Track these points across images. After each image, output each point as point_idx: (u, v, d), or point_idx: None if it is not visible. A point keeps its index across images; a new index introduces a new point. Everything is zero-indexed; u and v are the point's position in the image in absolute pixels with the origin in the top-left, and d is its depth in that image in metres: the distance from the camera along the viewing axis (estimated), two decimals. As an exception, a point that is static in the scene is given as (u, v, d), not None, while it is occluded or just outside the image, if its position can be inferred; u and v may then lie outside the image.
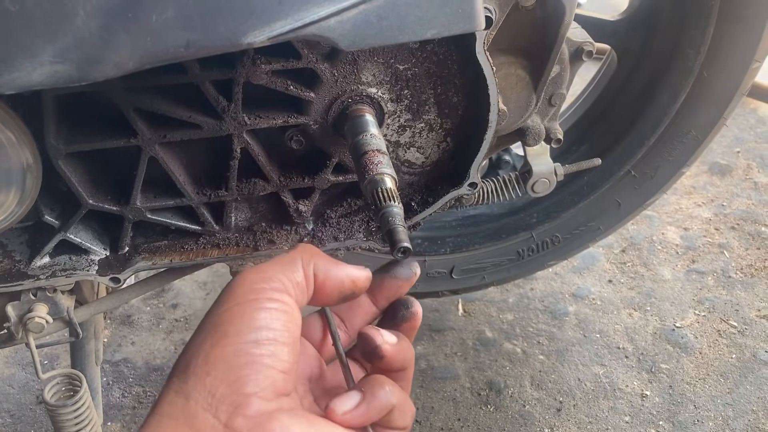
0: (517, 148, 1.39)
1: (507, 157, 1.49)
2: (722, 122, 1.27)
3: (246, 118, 0.92)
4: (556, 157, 1.43)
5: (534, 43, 1.02)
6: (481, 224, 1.48)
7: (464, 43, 0.91)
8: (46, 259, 1.01)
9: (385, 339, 0.64)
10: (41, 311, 1.02)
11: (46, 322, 1.02)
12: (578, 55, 1.08)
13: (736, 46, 1.19)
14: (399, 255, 0.81)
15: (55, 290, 1.03)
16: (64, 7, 0.54)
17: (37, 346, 1.06)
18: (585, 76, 1.47)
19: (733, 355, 1.56)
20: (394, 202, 0.84)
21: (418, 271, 0.77)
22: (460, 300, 1.73)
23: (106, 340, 1.72)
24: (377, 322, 0.74)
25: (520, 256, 1.47)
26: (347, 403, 0.59)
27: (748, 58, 1.19)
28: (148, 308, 1.80)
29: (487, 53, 0.91)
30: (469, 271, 1.47)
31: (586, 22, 1.26)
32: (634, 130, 1.36)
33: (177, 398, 0.54)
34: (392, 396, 0.61)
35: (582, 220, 1.43)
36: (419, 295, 1.51)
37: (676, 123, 1.30)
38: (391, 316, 0.72)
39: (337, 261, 0.66)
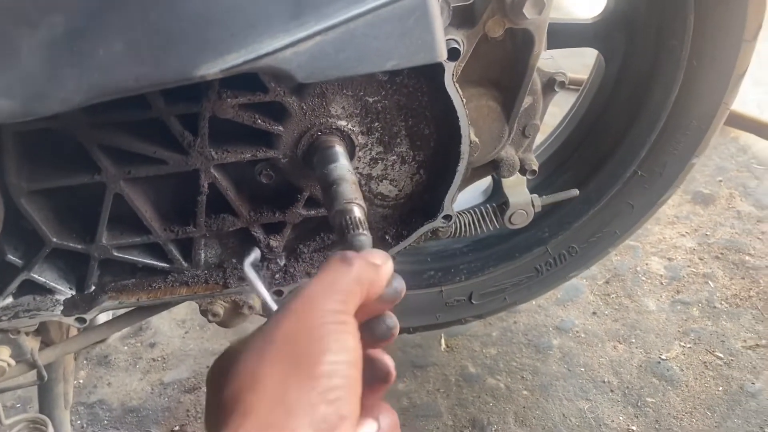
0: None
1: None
2: (724, 108, 1.23)
3: (213, 153, 0.91)
4: (561, 162, 1.41)
5: (505, 74, 1.02)
6: (493, 246, 1.46)
7: (433, 75, 0.91)
8: (9, 300, 0.98)
9: (392, 363, 0.64)
10: (3, 354, 0.99)
11: (8, 365, 0.99)
12: (551, 85, 1.07)
13: (722, 29, 1.15)
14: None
15: (18, 332, 1.00)
16: (7, 43, 0.52)
17: (0, 391, 1.03)
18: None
19: (720, 388, 1.54)
20: (362, 230, 0.82)
21: (404, 290, 0.75)
22: (442, 335, 1.70)
23: (81, 381, 1.67)
24: None
25: (538, 272, 1.45)
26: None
27: (738, 38, 1.15)
28: (126, 347, 1.76)
29: (457, 85, 0.90)
30: (488, 294, 1.45)
31: (566, 29, 1.24)
32: (633, 129, 1.32)
33: (277, 408, 0.52)
34: (398, 425, 0.63)
35: (596, 228, 1.40)
36: (442, 325, 1.48)
37: (675, 116, 1.26)
38: (369, 332, 0.70)
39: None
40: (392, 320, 0.70)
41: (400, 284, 0.69)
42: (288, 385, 0.53)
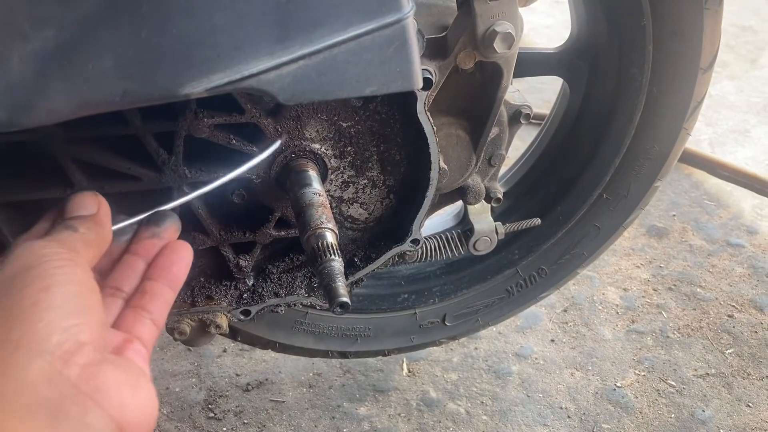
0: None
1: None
2: (684, 133, 1.27)
3: (187, 171, 0.92)
4: (530, 186, 1.45)
5: (474, 105, 1.06)
6: (465, 269, 1.47)
7: (406, 102, 0.94)
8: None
9: None
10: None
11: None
12: (516, 117, 1.11)
13: (680, 59, 1.19)
14: (338, 310, 0.80)
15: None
16: (-2, 53, 0.53)
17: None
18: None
19: (672, 415, 1.58)
20: (334, 256, 0.84)
21: (176, 223, 0.81)
22: (404, 359, 1.71)
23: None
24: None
25: (509, 294, 1.47)
26: None
27: (694, 67, 1.19)
28: (82, 368, 1.72)
29: (428, 113, 0.93)
30: (462, 316, 1.46)
31: (532, 58, 1.28)
32: (598, 154, 1.35)
33: (1, 349, 0.52)
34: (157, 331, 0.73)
35: (565, 249, 1.43)
36: (416, 347, 1.49)
37: (637, 141, 1.29)
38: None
39: None
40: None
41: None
42: (11, 324, 0.53)
